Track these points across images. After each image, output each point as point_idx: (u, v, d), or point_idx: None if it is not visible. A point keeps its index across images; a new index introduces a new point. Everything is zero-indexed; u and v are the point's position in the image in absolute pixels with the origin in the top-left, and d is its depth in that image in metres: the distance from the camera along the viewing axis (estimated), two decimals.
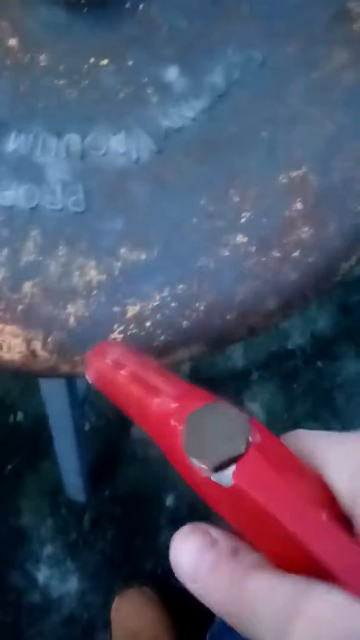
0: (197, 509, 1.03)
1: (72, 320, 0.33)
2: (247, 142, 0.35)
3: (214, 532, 0.20)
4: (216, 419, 0.20)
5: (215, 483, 0.19)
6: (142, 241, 0.34)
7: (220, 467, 0.19)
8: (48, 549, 1.04)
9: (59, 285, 0.33)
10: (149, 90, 0.36)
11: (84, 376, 0.34)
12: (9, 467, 1.08)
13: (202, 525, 0.20)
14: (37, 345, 0.33)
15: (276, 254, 0.33)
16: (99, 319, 0.33)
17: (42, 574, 1.02)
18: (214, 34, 0.37)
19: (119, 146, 0.35)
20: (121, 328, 0.33)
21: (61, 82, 0.36)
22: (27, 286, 0.33)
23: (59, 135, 0.35)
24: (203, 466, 0.19)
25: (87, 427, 1.07)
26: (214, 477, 0.19)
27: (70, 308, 0.33)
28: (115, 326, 0.33)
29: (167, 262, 0.34)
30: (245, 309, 0.33)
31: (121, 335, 0.33)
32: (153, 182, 0.35)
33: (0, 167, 0.35)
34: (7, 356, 0.33)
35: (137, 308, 0.33)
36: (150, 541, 1.03)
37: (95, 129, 0.36)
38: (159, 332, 0.32)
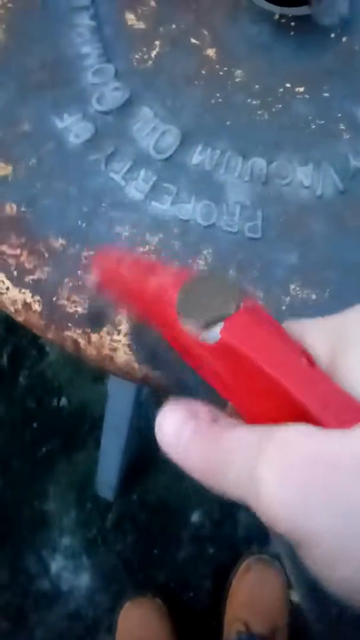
0: (221, 531, 1.02)
1: None
2: None
3: (196, 404, 0.21)
4: (209, 286, 0.21)
5: (204, 343, 0.20)
6: (315, 280, 0.33)
7: (209, 326, 0.20)
8: (66, 540, 1.03)
9: None
10: (342, 126, 0.35)
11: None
12: (44, 449, 1.07)
13: (185, 400, 0.21)
14: None
15: None
16: None
17: (56, 564, 1.02)
18: None
19: (304, 178, 0.34)
20: None
21: (254, 101, 0.35)
22: None
23: (245, 156, 0.34)
24: (193, 326, 0.20)
25: None
26: (203, 335, 0.20)
27: None
28: None
29: (337, 307, 0.32)
30: None
31: None
32: (333, 221, 0.34)
33: (181, 178, 0.34)
34: (156, 371, 0.32)
35: None
36: (169, 553, 1.01)
37: (282, 156, 0.34)
38: None
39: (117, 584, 1.00)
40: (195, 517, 1.03)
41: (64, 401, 1.10)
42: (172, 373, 0.31)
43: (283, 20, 0.35)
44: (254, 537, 1.01)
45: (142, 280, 0.23)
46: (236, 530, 1.03)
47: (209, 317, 0.20)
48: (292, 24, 0.35)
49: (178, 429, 0.20)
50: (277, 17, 0.35)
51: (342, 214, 0.34)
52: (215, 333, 0.20)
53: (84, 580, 1.01)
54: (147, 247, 0.32)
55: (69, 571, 1.02)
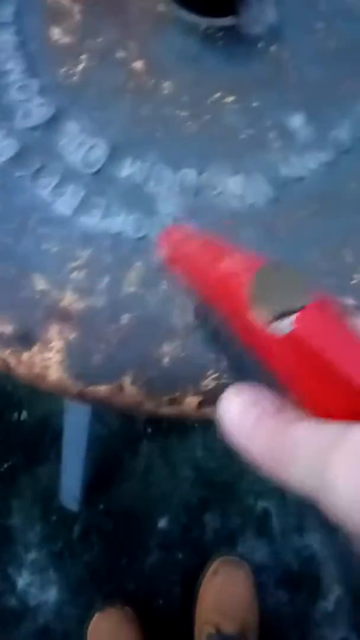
0: (189, 535, 1.02)
1: (166, 359, 0.32)
2: None
3: (262, 391, 0.20)
4: (282, 277, 0.21)
5: (274, 334, 0.20)
6: None
7: (281, 317, 0.20)
8: (32, 554, 1.01)
9: (158, 322, 0.32)
10: (272, 135, 0.36)
11: (166, 417, 0.32)
12: (6, 465, 1.06)
13: (249, 386, 0.21)
14: (127, 380, 0.31)
15: None
16: (194, 362, 0.32)
17: (23, 579, 1.00)
18: (343, 88, 0.37)
19: (235, 188, 0.34)
20: (215, 375, 0.31)
21: (183, 113, 0.35)
22: (125, 318, 0.32)
23: (175, 168, 0.34)
24: (265, 315, 0.20)
25: None
26: (274, 326, 0.20)
27: (166, 347, 0.32)
28: (210, 372, 0.31)
29: None
30: None
31: (215, 382, 0.31)
32: (265, 230, 0.34)
33: (111, 191, 0.33)
34: (91, 387, 0.32)
35: None
36: (136, 561, 1.01)
37: (213, 167, 0.35)
38: None
39: (86, 595, 0.99)
40: (162, 524, 1.03)
41: (24, 415, 1.08)
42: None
43: (210, 31, 0.36)
44: (222, 540, 1.01)
45: (211, 262, 0.23)
46: (204, 534, 1.03)
47: (281, 308, 0.20)
48: (220, 34, 0.36)
49: (243, 413, 0.20)
50: (203, 28, 0.36)
51: (273, 223, 0.34)
52: (287, 325, 0.19)
53: (52, 594, 1.00)
54: (77, 262, 0.32)
55: (36, 586, 1.00)
